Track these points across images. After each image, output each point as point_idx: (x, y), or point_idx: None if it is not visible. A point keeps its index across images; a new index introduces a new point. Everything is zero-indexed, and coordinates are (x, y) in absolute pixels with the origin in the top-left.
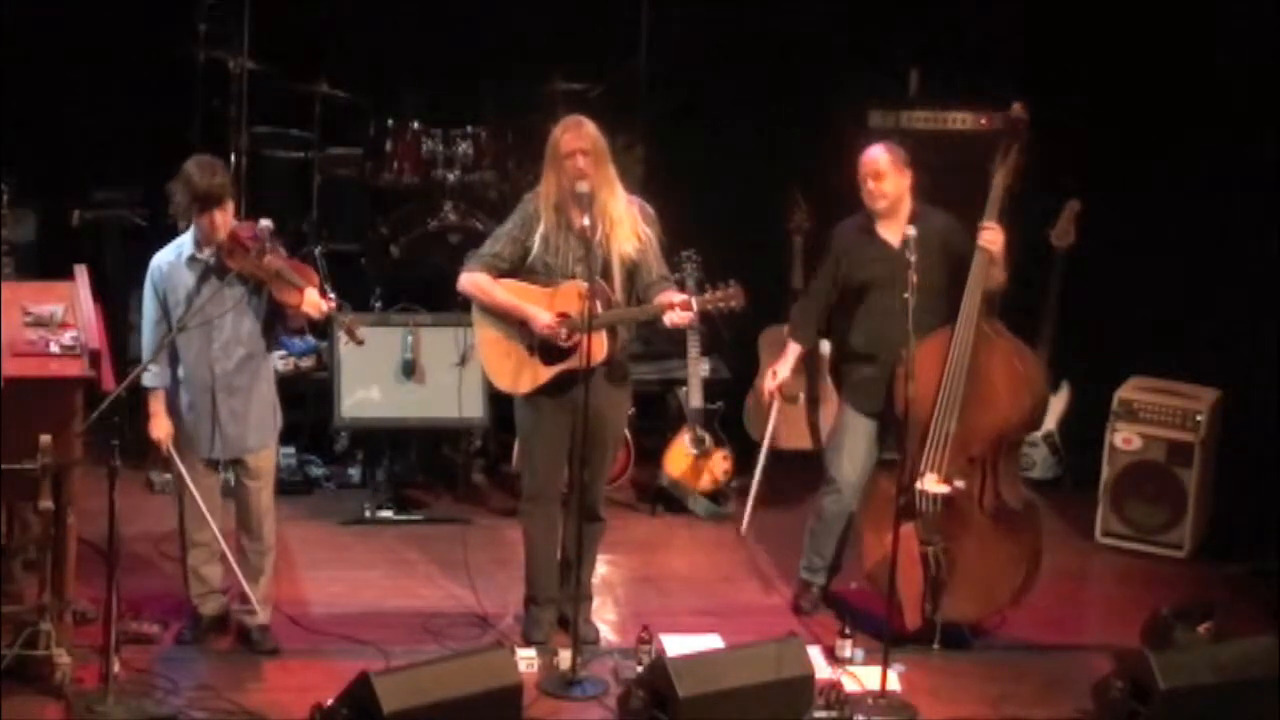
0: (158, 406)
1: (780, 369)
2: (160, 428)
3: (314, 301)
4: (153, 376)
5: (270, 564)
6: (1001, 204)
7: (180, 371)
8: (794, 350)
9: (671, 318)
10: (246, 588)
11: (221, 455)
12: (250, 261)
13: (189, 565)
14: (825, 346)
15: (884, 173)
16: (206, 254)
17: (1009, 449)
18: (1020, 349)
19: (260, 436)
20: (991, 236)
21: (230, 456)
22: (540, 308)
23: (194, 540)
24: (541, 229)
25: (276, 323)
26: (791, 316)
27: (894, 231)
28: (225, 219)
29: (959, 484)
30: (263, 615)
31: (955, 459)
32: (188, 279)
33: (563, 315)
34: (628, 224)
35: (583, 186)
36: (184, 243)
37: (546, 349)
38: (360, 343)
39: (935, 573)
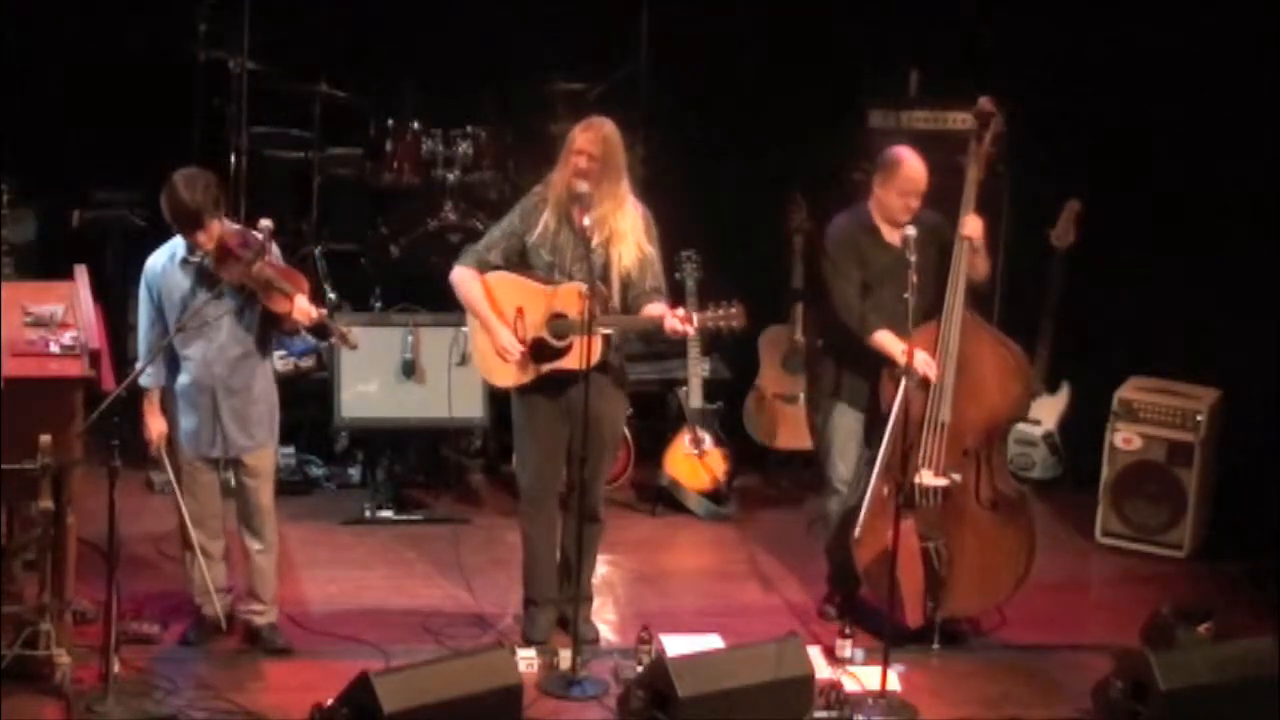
0: (151, 406)
1: (923, 356)
2: (153, 428)
3: (304, 309)
4: (148, 376)
5: (274, 562)
6: (976, 196)
7: (181, 373)
8: (892, 338)
9: (673, 325)
10: (257, 585)
11: (223, 454)
12: (240, 270)
13: (186, 566)
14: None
15: (924, 193)
16: (198, 257)
17: (1000, 439)
18: (1003, 338)
19: (260, 435)
20: (973, 226)
21: (231, 455)
22: (540, 304)
23: (190, 541)
24: (543, 223)
25: (271, 326)
26: (860, 318)
27: (891, 230)
28: (208, 237)
29: (956, 477)
30: (271, 614)
31: (951, 452)
32: (182, 282)
33: (559, 316)
34: (631, 239)
35: (582, 186)
36: (177, 245)
37: (538, 347)
38: (353, 347)
39: (937, 569)
